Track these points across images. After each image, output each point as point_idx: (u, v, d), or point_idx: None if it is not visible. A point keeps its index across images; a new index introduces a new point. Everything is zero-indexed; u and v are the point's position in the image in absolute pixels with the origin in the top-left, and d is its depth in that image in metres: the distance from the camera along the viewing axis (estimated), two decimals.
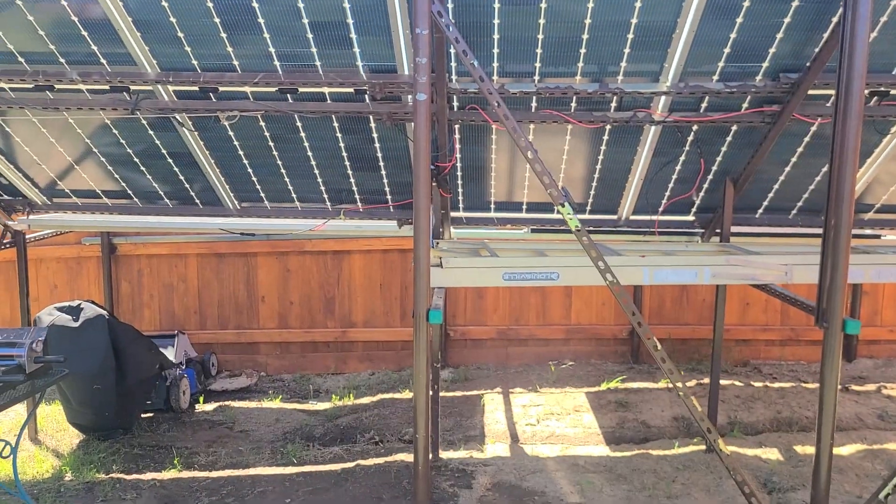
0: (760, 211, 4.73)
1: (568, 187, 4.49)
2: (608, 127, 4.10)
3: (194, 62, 3.79)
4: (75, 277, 6.72)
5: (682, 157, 4.31)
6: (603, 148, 4.27)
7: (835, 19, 3.37)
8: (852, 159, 3.03)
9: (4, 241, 5.12)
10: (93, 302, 5.27)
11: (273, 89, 3.89)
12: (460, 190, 4.66)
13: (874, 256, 3.87)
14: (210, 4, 3.42)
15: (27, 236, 5.30)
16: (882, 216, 4.75)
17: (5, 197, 5.04)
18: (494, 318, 6.44)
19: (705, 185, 4.51)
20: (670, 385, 5.61)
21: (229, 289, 6.63)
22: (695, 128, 4.10)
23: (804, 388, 5.64)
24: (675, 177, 4.46)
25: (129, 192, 4.88)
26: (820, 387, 3.21)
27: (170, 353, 5.84)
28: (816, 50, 3.53)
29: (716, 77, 3.77)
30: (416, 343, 3.24)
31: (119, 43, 3.66)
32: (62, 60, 3.81)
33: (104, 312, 5.08)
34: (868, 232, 4.89)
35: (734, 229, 4.53)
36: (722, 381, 5.17)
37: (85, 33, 3.62)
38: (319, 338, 6.59)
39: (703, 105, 3.97)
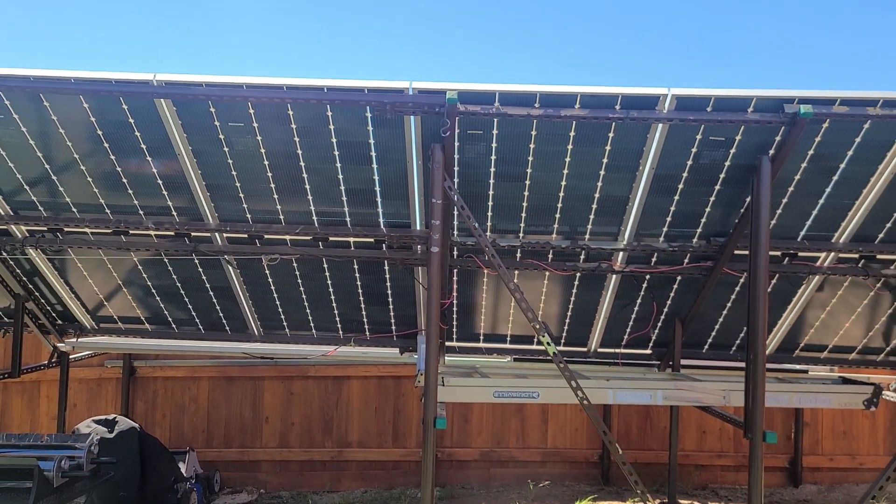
0: (706, 347, 5.63)
1: (546, 322, 5.39)
2: (578, 274, 5.06)
3: (248, 215, 4.72)
4: (94, 397, 7.32)
5: (639, 300, 5.25)
6: (574, 291, 5.20)
7: (748, 199, 4.41)
8: (763, 306, 3.99)
9: (52, 361, 5.83)
10: (126, 415, 5.91)
11: (309, 238, 4.81)
12: (455, 323, 5.52)
13: (795, 385, 4.77)
14: (269, 174, 4.40)
15: (70, 357, 6.02)
16: (807, 354, 5.66)
17: (59, 322, 5.80)
18: (478, 440, 7.11)
19: (659, 324, 5.43)
20: None
21: (236, 410, 7.26)
22: (648, 276, 5.06)
23: None
24: (633, 316, 5.38)
25: (170, 318, 5.67)
26: (749, 487, 3.98)
27: (182, 469, 6.39)
28: (736, 220, 4.57)
29: (661, 238, 4.77)
30: (425, 445, 3.98)
31: (191, 200, 4.60)
32: (141, 212, 4.72)
33: (136, 425, 5.71)
34: (797, 367, 5.78)
35: (685, 362, 5.42)
36: (683, 502, 5.86)
37: (165, 192, 4.56)
38: (317, 457, 7.18)
39: (654, 259, 4.95)
